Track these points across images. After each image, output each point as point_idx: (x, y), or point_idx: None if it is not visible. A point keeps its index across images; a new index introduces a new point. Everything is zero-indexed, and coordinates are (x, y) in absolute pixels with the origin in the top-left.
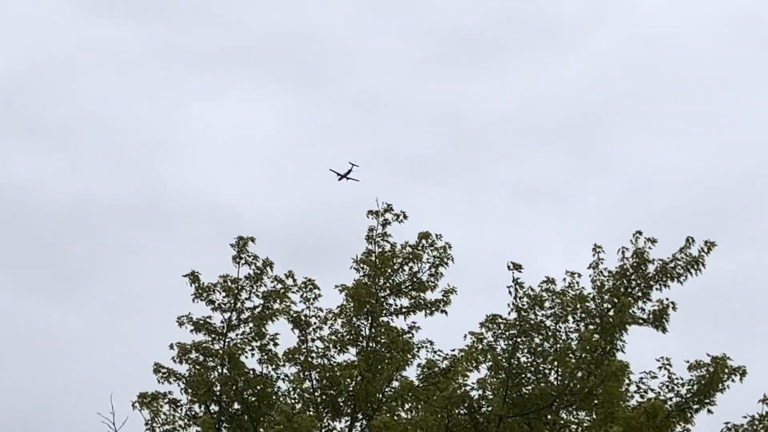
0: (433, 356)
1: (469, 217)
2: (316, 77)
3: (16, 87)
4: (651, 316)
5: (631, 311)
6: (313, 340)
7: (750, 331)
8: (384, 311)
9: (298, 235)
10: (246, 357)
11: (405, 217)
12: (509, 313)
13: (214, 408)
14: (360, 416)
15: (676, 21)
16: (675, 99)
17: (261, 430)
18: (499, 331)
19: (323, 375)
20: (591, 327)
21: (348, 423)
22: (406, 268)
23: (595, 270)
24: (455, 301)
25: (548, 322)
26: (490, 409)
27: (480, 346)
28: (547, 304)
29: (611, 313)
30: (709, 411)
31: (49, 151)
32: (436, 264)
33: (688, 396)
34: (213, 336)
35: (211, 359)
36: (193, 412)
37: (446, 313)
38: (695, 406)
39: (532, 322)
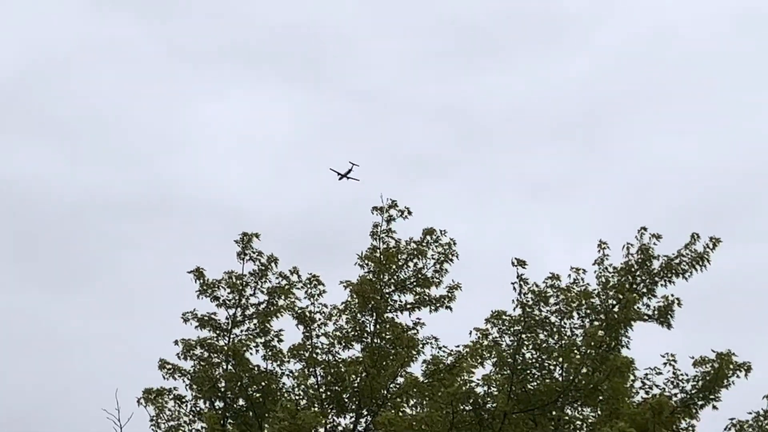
0: (438, 352)
1: (473, 213)
2: (321, 74)
3: (19, 84)
4: (656, 312)
5: (636, 307)
6: (317, 336)
7: (755, 327)
8: (389, 307)
9: (302, 232)
10: (251, 353)
11: (410, 213)
12: (514, 309)
13: (218, 404)
14: (365, 412)
15: (681, 18)
16: (679, 95)
17: (266, 426)
18: (504, 327)
19: (328, 371)
20: (596, 323)
21: (353, 419)
22: (410, 264)
23: (600, 266)
24: (460, 297)
25: (553, 318)
26: (494, 405)
27: (485, 342)
28: (551, 300)
29: (616, 309)
30: (714, 407)
31: (52, 148)
32: (441, 260)
33: (693, 392)
34: (218, 332)
35: (215, 355)
36: (198, 408)
37: (451, 309)
38: (700, 402)
39: (537, 318)
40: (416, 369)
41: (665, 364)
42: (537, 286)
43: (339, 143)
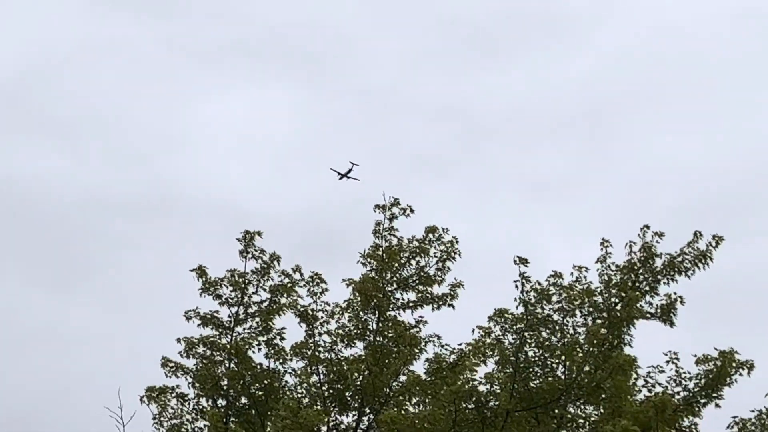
0: (441, 350)
1: (476, 212)
2: (322, 73)
3: (22, 83)
4: (658, 310)
5: (638, 305)
6: (320, 335)
7: (757, 325)
8: (391, 305)
9: (303, 231)
10: (253, 351)
11: (412, 211)
12: (517, 308)
13: (221, 402)
14: (367, 410)
15: (682, 17)
16: (680, 94)
17: (269, 424)
18: (507, 326)
19: (330, 369)
20: (598, 321)
21: (355, 417)
22: (413, 262)
23: (603, 264)
24: (462, 295)
25: (556, 317)
26: (497, 403)
27: (488, 340)
28: (554, 299)
29: (619, 307)
30: (716, 405)
31: (53, 147)
32: (443, 258)
33: (695, 390)
34: (220, 330)
35: (218, 353)
36: (200, 407)
37: (453, 307)
38: (703, 400)
39: (540, 316)
40: (419, 367)
41: (668, 362)
42: (539, 284)
43: (340, 142)
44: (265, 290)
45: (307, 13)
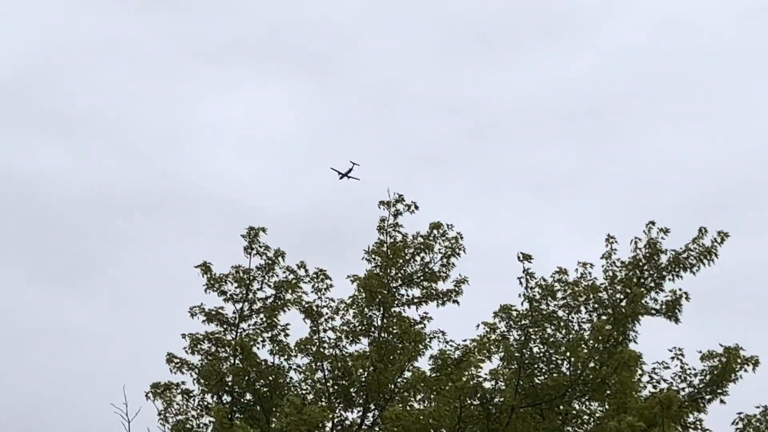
0: (445, 347)
1: (480, 207)
2: (328, 68)
3: (24, 81)
4: (663, 307)
5: (643, 302)
6: (324, 331)
7: (762, 321)
8: (396, 302)
9: (308, 227)
10: (258, 348)
11: (416, 207)
12: (522, 304)
13: (226, 398)
14: (372, 407)
15: (687, 13)
16: (685, 91)
17: (273, 420)
18: (512, 322)
19: (335, 365)
20: (603, 317)
21: (360, 413)
22: (417, 258)
23: (608, 260)
24: (467, 291)
25: (560, 313)
26: (502, 399)
27: (492, 337)
28: (559, 295)
29: (623, 303)
30: (721, 401)
31: (57, 145)
32: (448, 254)
33: (700, 386)
34: (225, 326)
35: (223, 350)
36: (205, 403)
37: (458, 303)
38: (708, 396)
39: (545, 312)
40: (424, 363)
41: (673, 358)
42: (544, 280)
43: (343, 140)
44: (269, 286)
45: (309, 11)
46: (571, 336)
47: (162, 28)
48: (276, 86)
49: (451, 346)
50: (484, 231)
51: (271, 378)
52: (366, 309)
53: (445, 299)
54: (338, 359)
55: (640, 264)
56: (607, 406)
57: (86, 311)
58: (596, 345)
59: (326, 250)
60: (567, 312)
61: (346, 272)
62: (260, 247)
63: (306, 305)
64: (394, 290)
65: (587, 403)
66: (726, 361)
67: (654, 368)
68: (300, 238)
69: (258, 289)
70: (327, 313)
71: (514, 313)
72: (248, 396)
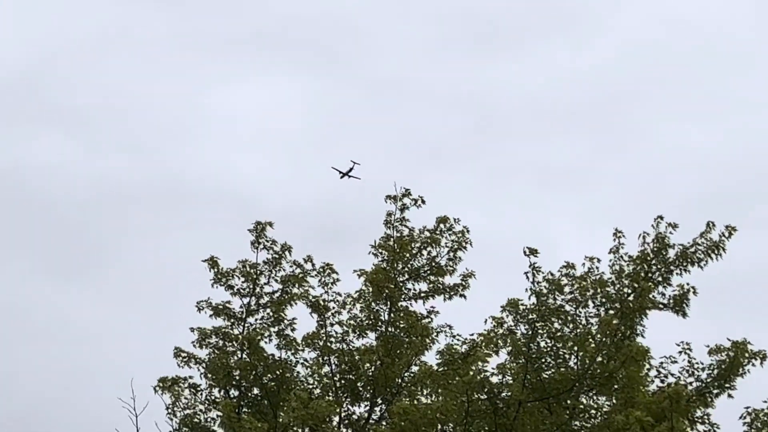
0: (453, 341)
1: (487, 201)
2: (336, 61)
3: (34, 73)
4: (671, 301)
5: (651, 296)
6: (331, 325)
7: None
8: (403, 296)
9: (316, 221)
10: (265, 342)
11: (423, 201)
12: (529, 298)
13: (233, 393)
14: (379, 401)
15: (698, 4)
16: (695, 83)
17: (281, 414)
18: (519, 316)
19: (342, 360)
20: (611, 312)
21: (367, 408)
22: (424, 252)
23: (616, 255)
24: (474, 285)
25: (568, 307)
26: (509, 394)
27: (500, 331)
28: (566, 289)
29: (631, 297)
30: (729, 395)
31: (66, 137)
32: (455, 248)
33: (708, 380)
34: (232, 321)
35: (230, 344)
36: (213, 397)
37: (465, 297)
38: (715, 391)
39: (552, 306)
40: (431, 358)
41: (680, 352)
42: (552, 274)
43: (351, 133)
44: (276, 281)
45: (317, 5)
46: (578, 330)
47: (170, 22)
48: (283, 80)
49: (458, 340)
50: (491, 225)
51: (278, 372)
52: (373, 303)
53: (452, 293)
54: (345, 354)
55: (648, 258)
56: (614, 401)
57: (92, 306)
58: (604, 339)
59: (333, 245)
60: (574, 306)
61: (352, 267)
62: (267, 241)
63: (313, 299)
64: (401, 284)
65: (595, 397)
66: (734, 355)
67: (661, 362)
68: (307, 233)
69: (265, 284)
70: (334, 308)
71: (522, 308)
72: (255, 390)
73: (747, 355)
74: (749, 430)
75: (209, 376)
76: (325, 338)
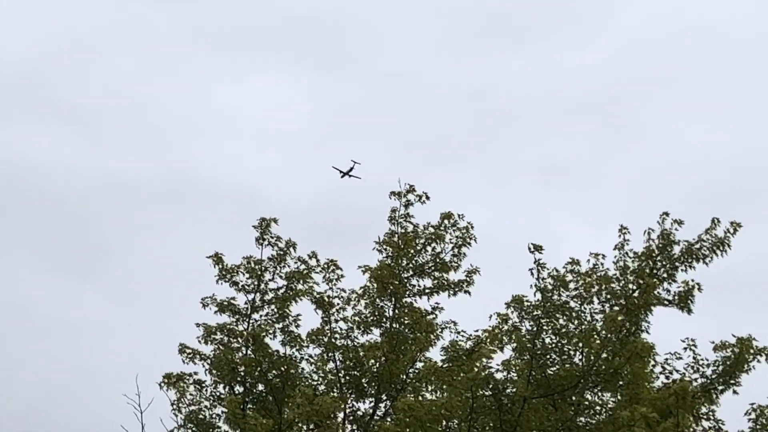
0: (457, 337)
1: (492, 197)
2: (339, 59)
3: (39, 70)
4: (676, 297)
5: (656, 292)
6: (336, 321)
7: None
8: (407, 292)
9: (321, 217)
10: (270, 338)
11: (427, 198)
12: (534, 294)
13: (238, 389)
14: (384, 397)
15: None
16: (700, 79)
17: (285, 410)
18: (524, 312)
19: (347, 356)
20: (616, 308)
21: (372, 404)
22: (428, 248)
23: (621, 251)
24: (479, 281)
25: (573, 303)
26: (514, 390)
27: (504, 327)
28: (571, 286)
29: (636, 294)
30: (734, 392)
31: (72, 134)
32: (459, 244)
33: (713, 377)
34: (237, 317)
35: (235, 340)
36: (217, 393)
37: (469, 293)
38: (720, 387)
39: (557, 303)
40: (435, 354)
41: (686, 349)
42: (557, 271)
43: (355, 130)
44: (281, 277)
45: (321, 3)
46: (583, 327)
47: (175, 18)
48: (288, 77)
49: (462, 336)
50: (495, 221)
51: (283, 368)
52: (377, 299)
53: (456, 289)
54: (350, 350)
55: (653, 255)
56: (619, 397)
57: (94, 304)
58: (608, 335)
59: (337, 241)
60: (579, 303)
61: (357, 263)
62: (272, 237)
63: (317, 296)
64: (406, 280)
65: (599, 393)
66: (739, 351)
67: (666, 359)
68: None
69: (270, 280)
70: (338, 304)
71: (526, 304)
72: (260, 386)
73: (752, 351)
74: (754, 427)
75: (214, 372)
76: (329, 334)
